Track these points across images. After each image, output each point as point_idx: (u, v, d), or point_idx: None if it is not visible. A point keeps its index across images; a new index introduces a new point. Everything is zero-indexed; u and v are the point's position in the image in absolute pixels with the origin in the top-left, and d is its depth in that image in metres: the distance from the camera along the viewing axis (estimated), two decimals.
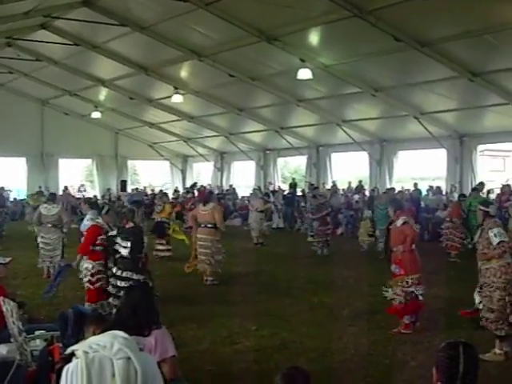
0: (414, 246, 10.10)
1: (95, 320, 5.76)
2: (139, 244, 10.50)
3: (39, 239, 15.50)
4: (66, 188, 30.14)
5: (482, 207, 9.22)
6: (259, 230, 22.35)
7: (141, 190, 38.09)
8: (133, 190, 38.79)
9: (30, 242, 18.57)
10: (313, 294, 12.86)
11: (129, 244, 10.40)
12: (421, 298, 10.01)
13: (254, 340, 9.42)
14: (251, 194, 24.58)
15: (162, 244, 18.52)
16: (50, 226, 15.25)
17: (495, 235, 8.68)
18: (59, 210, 15.49)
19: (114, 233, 10.85)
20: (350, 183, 30.15)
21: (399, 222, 10.27)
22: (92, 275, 10.97)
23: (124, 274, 10.38)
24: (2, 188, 22.89)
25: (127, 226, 10.83)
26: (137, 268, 10.39)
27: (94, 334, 5.43)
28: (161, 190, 29.36)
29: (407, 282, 9.97)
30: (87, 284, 11.06)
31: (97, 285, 10.95)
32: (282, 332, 9.89)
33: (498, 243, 8.62)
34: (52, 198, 16.56)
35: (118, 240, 10.52)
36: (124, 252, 10.39)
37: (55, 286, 11.53)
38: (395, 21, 16.78)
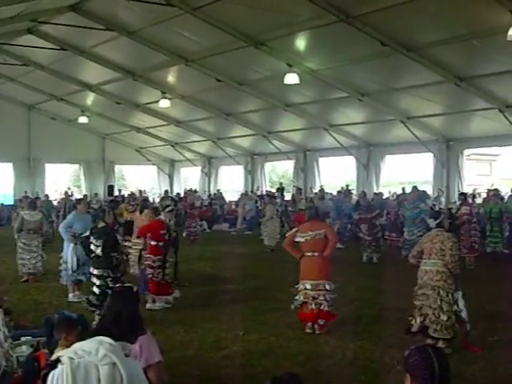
0: (307, 254, 10.34)
1: (66, 326, 5.71)
2: (111, 242, 10.65)
3: (19, 245, 15.53)
4: (67, 193, 30.92)
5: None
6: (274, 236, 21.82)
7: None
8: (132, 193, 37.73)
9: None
10: None
11: (101, 243, 10.55)
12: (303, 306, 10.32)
13: (241, 345, 9.41)
14: (268, 202, 23.97)
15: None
16: (31, 232, 15.35)
17: None
18: (41, 217, 15.55)
19: (88, 233, 11.01)
20: (342, 188, 29.89)
21: None
22: (154, 269, 12.06)
23: (99, 272, 10.53)
24: None
25: (99, 226, 10.94)
26: (110, 266, 10.57)
27: (67, 340, 5.41)
28: (166, 191, 29.71)
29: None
30: (150, 276, 12.15)
31: (158, 278, 12.05)
32: (269, 336, 9.89)
33: None
34: (33, 205, 16.51)
35: (92, 240, 10.66)
36: (98, 251, 10.53)
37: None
38: (382, 26, 16.85)
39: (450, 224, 9.85)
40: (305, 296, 10.22)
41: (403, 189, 27.14)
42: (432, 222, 9.36)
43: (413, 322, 9.20)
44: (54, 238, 17.45)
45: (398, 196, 25.75)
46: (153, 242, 12.22)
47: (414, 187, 22.19)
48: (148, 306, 12.03)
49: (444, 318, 8.78)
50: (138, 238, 13.56)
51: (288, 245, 10.68)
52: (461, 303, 8.95)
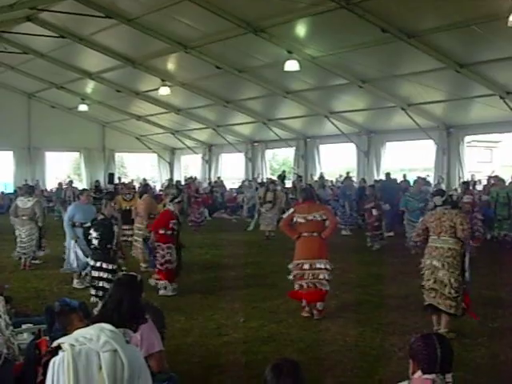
0: (304, 235, 10.29)
1: (66, 316, 5.69)
2: (108, 234, 10.78)
3: (16, 232, 15.57)
4: (71, 182, 31.29)
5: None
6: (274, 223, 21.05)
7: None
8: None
9: None
10: None
11: (98, 235, 10.73)
12: (299, 285, 10.34)
13: (242, 332, 9.41)
14: (273, 189, 23.27)
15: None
16: (24, 218, 15.32)
17: None
18: (33, 203, 15.48)
19: (89, 224, 11.12)
20: (340, 176, 29.83)
21: None
22: (162, 257, 12.17)
23: (96, 264, 10.70)
24: None
25: (99, 218, 11.05)
26: (108, 257, 10.68)
27: (71, 329, 5.38)
28: (170, 179, 29.73)
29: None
30: (158, 266, 12.31)
31: (165, 266, 12.17)
32: (269, 324, 9.89)
33: None
34: (29, 191, 16.48)
35: (92, 232, 10.77)
36: (95, 243, 10.67)
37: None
38: (382, 12, 16.78)
39: (454, 204, 9.86)
40: (301, 276, 10.23)
41: (404, 176, 27.10)
42: (438, 200, 9.28)
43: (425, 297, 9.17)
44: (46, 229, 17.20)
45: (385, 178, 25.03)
46: (161, 231, 12.27)
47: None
48: (161, 292, 12.13)
49: (453, 293, 8.78)
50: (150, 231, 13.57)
51: (285, 225, 10.68)
52: (467, 273, 8.98)
